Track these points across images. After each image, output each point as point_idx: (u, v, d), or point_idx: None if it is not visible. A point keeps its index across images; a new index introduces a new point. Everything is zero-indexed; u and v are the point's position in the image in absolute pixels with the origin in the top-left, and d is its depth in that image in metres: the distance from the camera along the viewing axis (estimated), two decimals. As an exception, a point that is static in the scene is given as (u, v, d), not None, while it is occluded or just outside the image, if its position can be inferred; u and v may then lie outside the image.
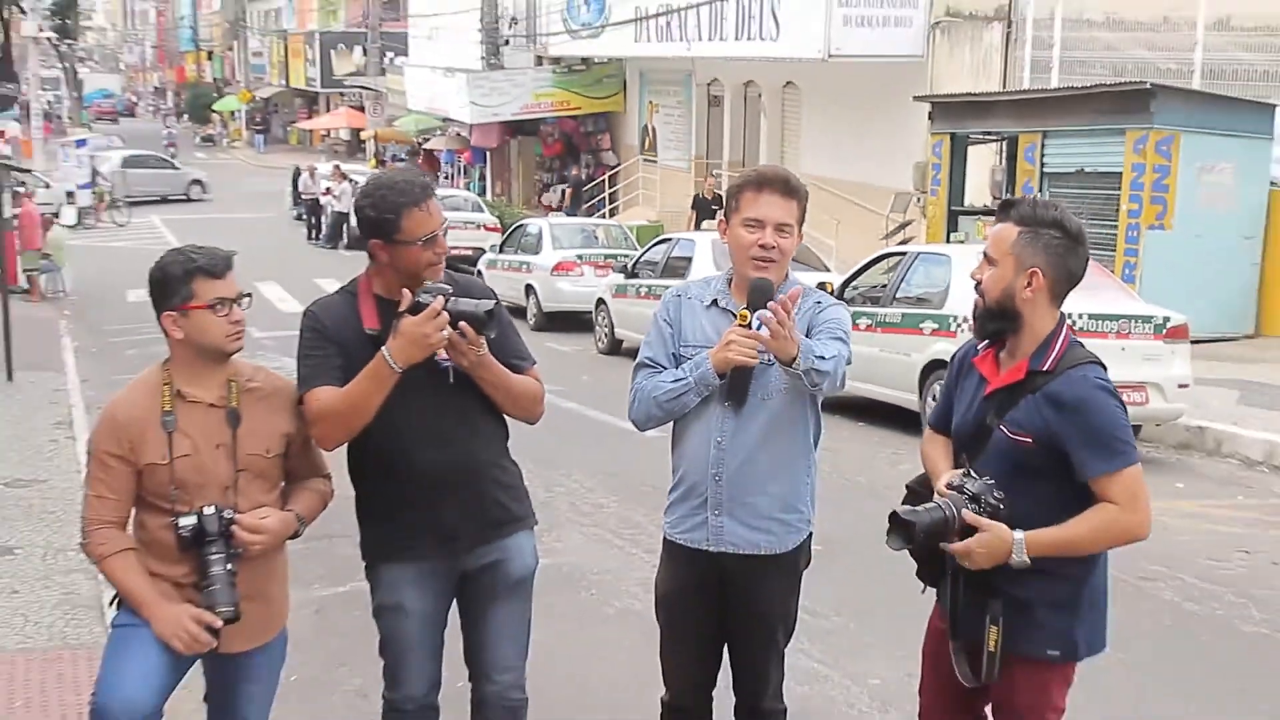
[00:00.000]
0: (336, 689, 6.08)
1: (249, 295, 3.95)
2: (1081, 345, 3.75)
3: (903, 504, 3.89)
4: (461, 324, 3.84)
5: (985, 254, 3.76)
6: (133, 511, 3.90)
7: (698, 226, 24.38)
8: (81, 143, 42.01)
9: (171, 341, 3.88)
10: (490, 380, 4.04)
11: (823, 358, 3.84)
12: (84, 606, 6.92)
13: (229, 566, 3.78)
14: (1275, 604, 7.41)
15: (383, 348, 3.83)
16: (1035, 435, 3.62)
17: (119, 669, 3.76)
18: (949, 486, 3.65)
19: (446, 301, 3.81)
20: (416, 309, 3.80)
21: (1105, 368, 3.70)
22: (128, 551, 3.85)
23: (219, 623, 3.76)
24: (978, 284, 3.77)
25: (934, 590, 3.95)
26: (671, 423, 4.17)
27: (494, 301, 3.93)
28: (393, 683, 4.27)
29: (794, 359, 3.76)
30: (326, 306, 4.13)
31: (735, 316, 3.95)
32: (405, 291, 3.85)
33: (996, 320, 3.73)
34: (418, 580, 4.15)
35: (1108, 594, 3.83)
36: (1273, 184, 16.58)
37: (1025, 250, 3.67)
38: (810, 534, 4.22)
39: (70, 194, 38.53)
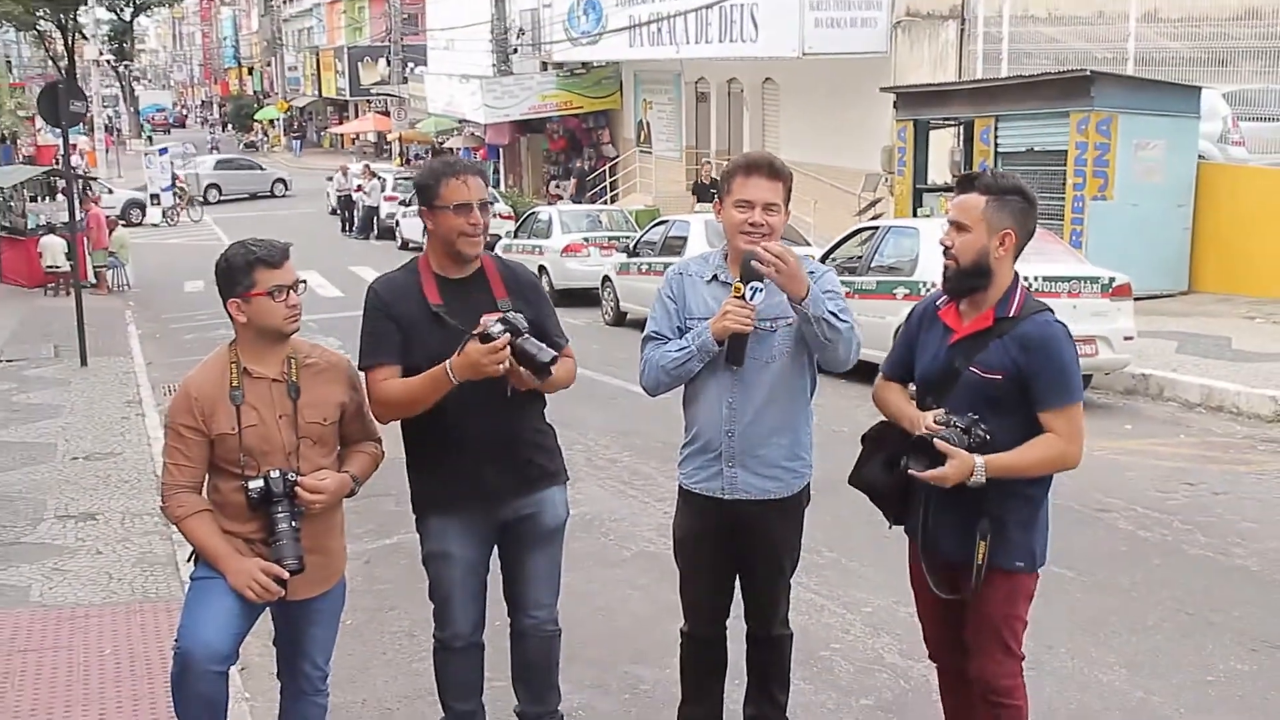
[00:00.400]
0: (386, 630, 6.06)
1: (304, 282, 3.93)
2: (1031, 295, 3.79)
3: (862, 455, 3.98)
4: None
5: (954, 222, 3.75)
6: (206, 477, 3.88)
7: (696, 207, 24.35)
8: (164, 151, 42.23)
9: (237, 325, 3.86)
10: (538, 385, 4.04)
11: (835, 314, 3.85)
12: (160, 564, 6.93)
13: (293, 524, 3.78)
14: (1217, 529, 7.40)
15: (446, 362, 3.83)
16: (1005, 372, 3.66)
17: (198, 617, 3.75)
18: (937, 422, 3.65)
19: (514, 337, 3.80)
20: (486, 338, 3.78)
21: (1054, 312, 3.76)
22: (203, 513, 3.83)
23: (286, 574, 3.76)
24: (947, 249, 3.76)
25: (900, 527, 3.98)
26: (682, 386, 4.12)
27: (554, 354, 3.89)
28: (442, 623, 4.27)
29: (804, 298, 3.77)
30: (388, 283, 4.14)
31: (733, 289, 3.92)
32: (484, 318, 3.82)
33: (971, 278, 3.73)
34: (462, 530, 4.14)
35: (1049, 516, 3.88)
36: (1201, 157, 16.52)
37: (996, 215, 3.69)
38: (810, 478, 4.20)
39: (155, 196, 38.82)
